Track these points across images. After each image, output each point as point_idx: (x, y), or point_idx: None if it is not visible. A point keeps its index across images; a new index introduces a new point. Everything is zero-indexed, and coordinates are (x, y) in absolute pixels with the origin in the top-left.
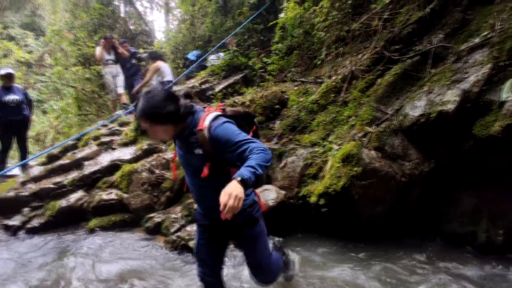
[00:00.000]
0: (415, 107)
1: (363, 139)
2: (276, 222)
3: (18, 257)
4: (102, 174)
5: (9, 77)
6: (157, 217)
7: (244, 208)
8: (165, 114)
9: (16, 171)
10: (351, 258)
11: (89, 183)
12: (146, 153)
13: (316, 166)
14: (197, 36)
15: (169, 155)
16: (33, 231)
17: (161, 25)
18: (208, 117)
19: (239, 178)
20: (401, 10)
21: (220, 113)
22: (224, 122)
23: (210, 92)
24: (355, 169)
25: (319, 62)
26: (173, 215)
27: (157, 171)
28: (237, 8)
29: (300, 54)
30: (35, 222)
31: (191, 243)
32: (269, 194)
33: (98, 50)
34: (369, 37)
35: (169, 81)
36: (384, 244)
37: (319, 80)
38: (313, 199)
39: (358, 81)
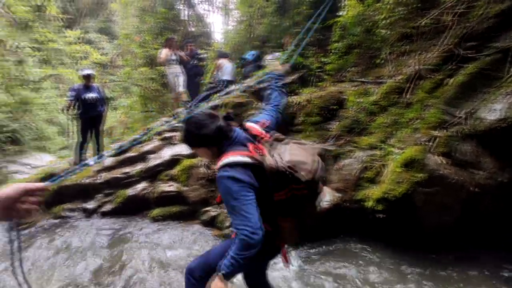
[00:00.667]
0: (492, 111)
1: (429, 143)
2: (330, 225)
3: (93, 235)
4: (164, 167)
5: (88, 77)
6: (212, 211)
7: None
8: (196, 140)
9: (92, 161)
10: (411, 270)
11: (152, 175)
12: None
13: (374, 170)
14: (254, 36)
15: None
16: (105, 215)
17: (220, 27)
18: (223, 160)
19: (219, 274)
20: (477, 3)
21: (236, 160)
22: (228, 178)
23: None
24: (419, 175)
25: (380, 62)
26: None
27: (213, 167)
28: (295, 7)
29: (359, 53)
30: (107, 207)
31: None
32: (324, 196)
33: (163, 52)
34: (439, 34)
35: (228, 81)
36: (451, 257)
37: (379, 80)
38: (370, 204)
39: (425, 81)
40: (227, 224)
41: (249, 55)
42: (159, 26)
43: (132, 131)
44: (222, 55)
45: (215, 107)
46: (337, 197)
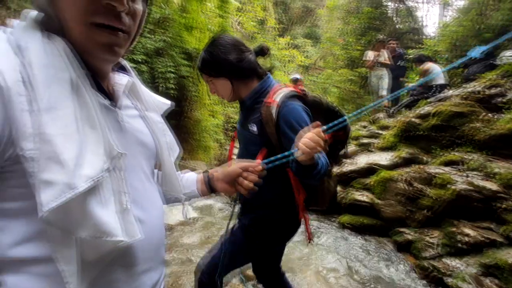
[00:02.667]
0: None
1: None
2: None
3: None
4: (358, 175)
5: (296, 81)
6: (408, 233)
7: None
8: (220, 65)
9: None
10: None
11: (345, 180)
12: (405, 162)
13: None
14: (485, 27)
15: (433, 169)
16: None
17: (433, 21)
18: (281, 92)
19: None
20: None
21: (296, 92)
22: (299, 106)
23: (500, 99)
24: None
25: None
26: (428, 238)
27: (415, 184)
28: None
29: None
30: None
31: (449, 280)
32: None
33: (369, 55)
34: None
35: (442, 85)
36: None
37: None
38: None
39: None
40: (426, 255)
41: (476, 52)
42: (363, 26)
43: None
44: (425, 59)
45: (425, 116)
46: None
